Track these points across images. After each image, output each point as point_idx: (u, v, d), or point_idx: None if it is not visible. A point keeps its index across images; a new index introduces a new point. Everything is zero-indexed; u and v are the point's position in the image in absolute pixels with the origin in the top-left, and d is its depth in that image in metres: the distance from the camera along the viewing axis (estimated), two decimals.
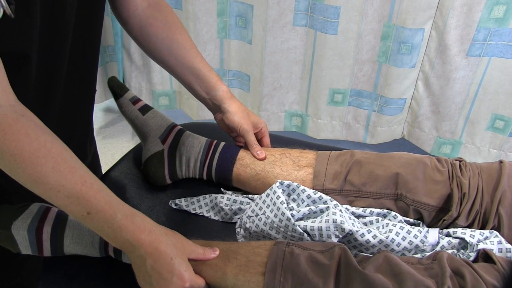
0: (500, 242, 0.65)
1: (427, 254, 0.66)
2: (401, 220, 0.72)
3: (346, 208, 0.73)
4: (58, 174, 0.55)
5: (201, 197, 0.82)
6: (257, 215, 0.74)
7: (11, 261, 0.77)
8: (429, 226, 0.74)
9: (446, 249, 0.67)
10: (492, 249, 0.64)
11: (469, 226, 0.71)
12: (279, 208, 0.70)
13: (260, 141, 0.87)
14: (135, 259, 0.60)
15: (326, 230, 0.67)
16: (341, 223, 0.66)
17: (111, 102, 2.03)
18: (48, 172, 0.54)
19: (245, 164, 0.81)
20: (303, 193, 0.73)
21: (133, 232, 0.58)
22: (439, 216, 0.72)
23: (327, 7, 1.41)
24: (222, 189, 0.85)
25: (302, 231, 0.68)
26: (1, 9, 0.50)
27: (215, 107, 0.84)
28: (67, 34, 0.65)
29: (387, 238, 0.67)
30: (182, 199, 0.82)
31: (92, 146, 0.88)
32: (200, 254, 0.63)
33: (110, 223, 0.58)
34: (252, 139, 0.82)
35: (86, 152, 0.84)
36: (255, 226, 0.73)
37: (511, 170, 0.72)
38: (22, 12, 0.54)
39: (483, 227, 0.71)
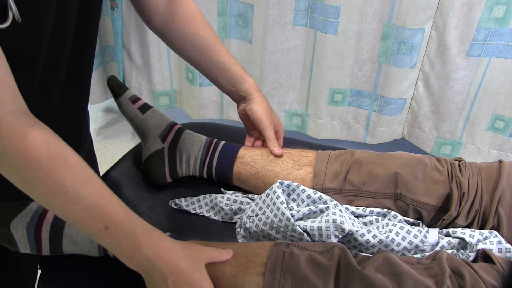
0: (499, 242, 0.65)
1: (427, 254, 0.66)
2: (401, 220, 0.72)
3: (346, 208, 0.73)
4: (77, 184, 0.51)
5: (201, 197, 0.82)
6: (257, 215, 0.74)
7: (6, 259, 0.77)
8: (429, 225, 0.74)
9: (446, 249, 0.67)
10: (492, 249, 0.64)
11: (469, 225, 0.71)
12: (279, 208, 0.70)
13: None
14: (155, 278, 0.58)
15: (326, 230, 0.67)
16: (341, 223, 0.66)
17: (111, 102, 2.03)
18: (66, 182, 0.51)
19: (245, 162, 0.81)
20: (303, 193, 0.73)
21: (153, 249, 0.56)
22: (439, 215, 0.72)
23: (327, 7, 1.41)
24: (222, 189, 0.85)
25: (302, 231, 0.68)
26: (10, 13, 0.50)
27: (241, 98, 0.85)
28: (68, 36, 0.65)
29: (387, 238, 0.67)
30: (182, 199, 0.82)
31: (86, 144, 0.87)
32: (215, 257, 0.63)
33: (130, 238, 0.55)
34: (271, 134, 0.83)
35: (79, 151, 0.84)
36: (255, 226, 0.73)
37: (510, 170, 0.72)
38: (34, 17, 0.54)
39: (482, 226, 0.71)
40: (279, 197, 0.71)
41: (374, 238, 0.66)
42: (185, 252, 0.59)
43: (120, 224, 0.54)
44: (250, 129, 0.88)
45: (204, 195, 0.82)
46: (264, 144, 0.87)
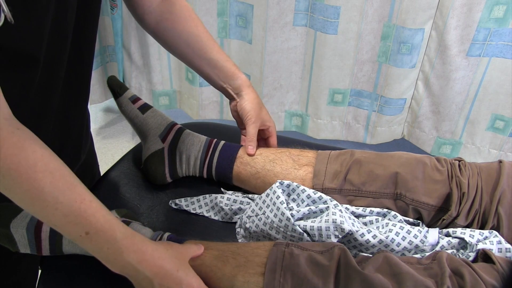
0: (499, 242, 0.65)
1: (427, 254, 0.66)
2: (400, 219, 0.72)
3: (346, 208, 0.73)
4: (56, 190, 0.52)
5: (201, 197, 0.82)
6: (257, 215, 0.74)
7: (7, 260, 0.77)
8: (429, 225, 0.74)
9: (446, 249, 0.67)
10: (492, 249, 0.64)
11: (469, 225, 0.71)
12: (279, 208, 0.70)
13: (266, 141, 0.88)
14: (141, 281, 0.58)
15: (326, 230, 0.67)
16: (340, 223, 0.66)
17: (111, 102, 2.03)
18: (45, 188, 0.51)
19: (245, 162, 0.81)
20: (303, 193, 0.73)
21: (135, 253, 0.57)
22: (439, 215, 0.72)
23: (327, 7, 1.41)
24: (222, 189, 0.85)
25: (302, 231, 0.68)
26: (2, 15, 0.50)
27: (233, 95, 0.86)
28: (67, 35, 0.65)
29: (387, 238, 0.67)
30: (182, 199, 0.82)
31: (87, 144, 0.88)
32: (194, 252, 0.64)
33: (111, 243, 0.56)
34: (252, 131, 0.83)
35: (81, 151, 0.85)
36: (255, 226, 0.73)
37: (510, 170, 0.72)
38: (33, 16, 0.54)
39: (482, 226, 0.71)
40: (279, 197, 0.71)
41: (374, 238, 0.66)
42: (168, 253, 0.60)
43: (100, 230, 0.55)
44: (242, 128, 0.88)
45: (204, 195, 0.82)
46: (261, 144, 0.87)
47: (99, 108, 2.10)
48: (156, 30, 0.83)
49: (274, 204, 0.71)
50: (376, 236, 0.67)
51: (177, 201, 0.82)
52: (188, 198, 0.82)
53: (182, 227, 0.79)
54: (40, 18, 0.56)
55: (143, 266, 0.57)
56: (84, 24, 0.68)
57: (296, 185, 0.74)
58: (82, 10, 0.65)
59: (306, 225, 0.68)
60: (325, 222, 0.67)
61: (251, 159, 0.81)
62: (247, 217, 0.75)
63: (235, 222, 0.79)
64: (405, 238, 0.67)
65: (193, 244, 0.66)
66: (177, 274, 0.59)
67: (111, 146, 1.90)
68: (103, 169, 0.96)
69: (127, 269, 0.58)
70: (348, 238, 0.68)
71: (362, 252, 0.68)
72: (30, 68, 0.59)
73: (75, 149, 0.81)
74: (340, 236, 0.67)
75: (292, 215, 0.70)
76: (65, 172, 0.54)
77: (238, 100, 0.85)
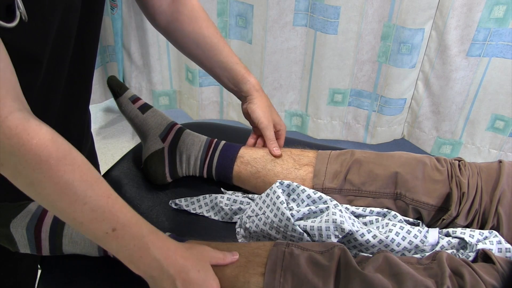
0: (499, 242, 0.65)
1: (427, 254, 0.66)
2: (400, 219, 0.72)
3: (346, 208, 0.73)
4: (85, 184, 0.50)
5: (201, 197, 0.82)
6: (257, 215, 0.74)
7: (7, 260, 0.77)
8: (429, 225, 0.74)
9: (446, 249, 0.67)
10: (492, 249, 0.64)
11: (468, 225, 0.71)
12: (279, 208, 0.70)
13: None
14: (163, 281, 0.57)
15: (326, 230, 0.67)
16: (341, 223, 0.66)
17: (111, 102, 2.03)
18: (75, 181, 0.50)
19: (246, 161, 0.81)
20: (303, 193, 0.73)
21: (161, 249, 0.56)
22: (439, 215, 0.72)
23: (327, 7, 1.41)
24: (222, 189, 0.85)
25: (302, 231, 0.68)
26: (18, 13, 0.50)
27: (243, 98, 0.86)
28: (71, 37, 0.65)
29: (387, 238, 0.67)
30: (182, 199, 0.82)
31: (88, 144, 0.88)
32: (220, 259, 0.62)
33: (138, 239, 0.54)
34: (270, 133, 0.83)
35: (81, 151, 0.84)
36: (255, 226, 0.73)
37: (510, 170, 0.72)
38: (39, 17, 0.54)
39: (482, 226, 0.71)
40: (279, 197, 0.71)
41: (374, 238, 0.66)
42: (189, 252, 0.59)
43: (127, 226, 0.54)
44: (254, 126, 0.88)
45: (204, 195, 0.82)
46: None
47: (99, 108, 2.10)
48: (166, 30, 0.83)
49: (274, 204, 0.71)
50: (376, 236, 0.67)
51: (177, 201, 0.82)
52: (188, 198, 0.82)
53: (182, 227, 0.79)
54: (46, 20, 0.55)
55: (167, 263, 0.56)
56: (87, 25, 0.68)
57: (296, 185, 0.74)
58: (85, 10, 0.65)
59: (306, 225, 0.68)
60: (325, 222, 0.67)
61: (252, 159, 0.81)
62: (247, 217, 0.75)
63: (235, 222, 0.79)
64: (405, 238, 0.67)
65: (222, 251, 0.63)
66: (199, 275, 0.58)
67: (111, 146, 1.90)
68: (103, 169, 0.96)
69: (152, 267, 0.56)
70: (348, 238, 0.68)
71: (362, 252, 0.68)
72: (33, 69, 0.59)
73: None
74: (340, 236, 0.67)
75: (292, 215, 0.70)
76: (90, 167, 0.53)
77: (248, 104, 0.85)
